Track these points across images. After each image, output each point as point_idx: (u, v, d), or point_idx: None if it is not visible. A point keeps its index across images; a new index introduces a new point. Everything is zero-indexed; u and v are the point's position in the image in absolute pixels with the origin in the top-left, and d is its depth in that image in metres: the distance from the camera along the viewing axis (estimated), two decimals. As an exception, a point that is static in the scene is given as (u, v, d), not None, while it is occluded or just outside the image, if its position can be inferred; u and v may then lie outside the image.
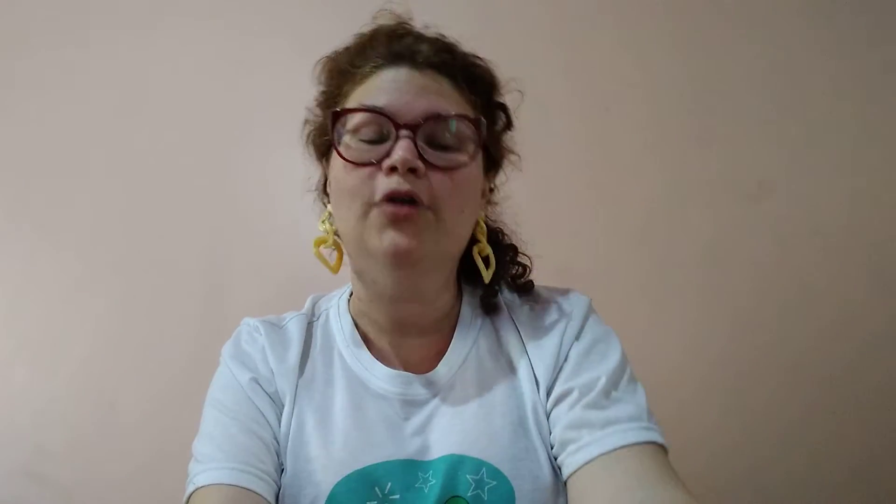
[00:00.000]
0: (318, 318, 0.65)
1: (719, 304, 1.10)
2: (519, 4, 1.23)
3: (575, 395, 0.54)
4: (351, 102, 0.57)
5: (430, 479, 0.54)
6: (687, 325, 1.10)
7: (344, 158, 0.54)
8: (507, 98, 0.64)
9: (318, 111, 0.64)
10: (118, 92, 1.33)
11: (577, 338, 0.59)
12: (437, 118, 0.54)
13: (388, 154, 0.52)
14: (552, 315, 0.62)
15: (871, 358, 1.04)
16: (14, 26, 1.38)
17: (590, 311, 0.62)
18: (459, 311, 0.63)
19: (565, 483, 0.52)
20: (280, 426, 0.57)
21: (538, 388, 0.57)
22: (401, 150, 0.51)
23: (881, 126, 1.10)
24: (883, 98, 1.10)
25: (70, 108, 1.34)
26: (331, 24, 1.28)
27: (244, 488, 0.51)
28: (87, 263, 1.27)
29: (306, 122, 0.66)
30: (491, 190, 0.65)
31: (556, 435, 0.54)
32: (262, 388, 0.58)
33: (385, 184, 0.52)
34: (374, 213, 0.53)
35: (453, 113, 0.55)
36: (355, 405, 0.58)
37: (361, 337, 0.62)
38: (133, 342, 1.23)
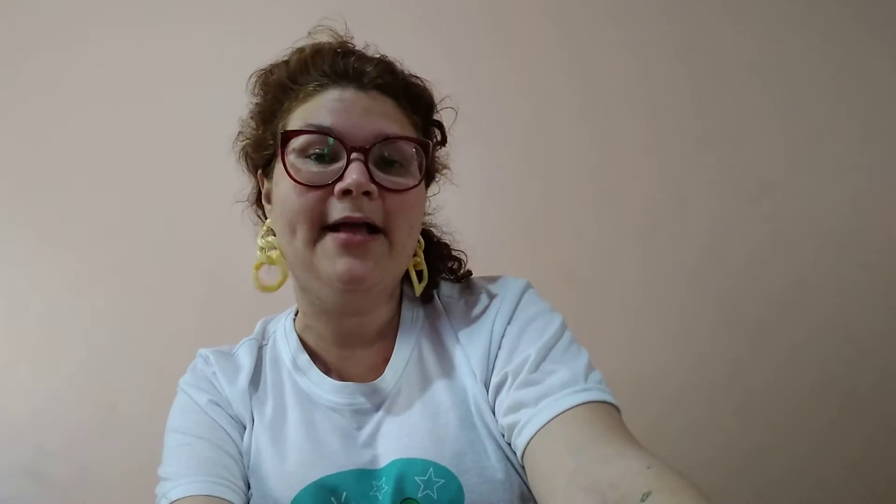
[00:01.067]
0: (267, 342, 0.67)
1: (719, 303, 1.10)
2: (520, 5, 1.23)
3: (509, 379, 0.53)
4: (295, 120, 0.57)
5: (382, 485, 0.54)
6: (687, 324, 1.10)
7: (295, 181, 0.53)
8: (443, 114, 0.65)
9: (252, 124, 0.64)
10: (118, 92, 1.33)
11: (510, 321, 0.58)
12: (386, 141, 0.54)
13: (340, 177, 0.52)
14: (483, 304, 0.62)
15: (869, 357, 1.04)
16: (14, 27, 1.38)
17: (523, 292, 0.61)
18: (400, 319, 0.63)
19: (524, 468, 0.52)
20: (242, 446, 0.59)
21: (476, 380, 0.57)
22: (354, 174, 0.51)
23: (881, 126, 1.10)
24: (883, 98, 1.10)
25: (70, 108, 1.34)
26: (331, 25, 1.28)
27: (219, 498, 0.52)
28: (87, 263, 1.27)
29: (239, 133, 0.66)
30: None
31: (502, 423, 0.53)
32: (222, 409, 0.60)
33: (339, 209, 0.52)
34: (328, 240, 0.53)
35: (401, 135, 0.55)
36: (307, 420, 0.58)
37: (309, 353, 0.62)
38: (133, 342, 1.23)
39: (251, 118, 0.64)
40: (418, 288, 0.62)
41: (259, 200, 0.66)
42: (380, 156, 0.55)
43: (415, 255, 0.62)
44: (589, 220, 1.14)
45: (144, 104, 1.32)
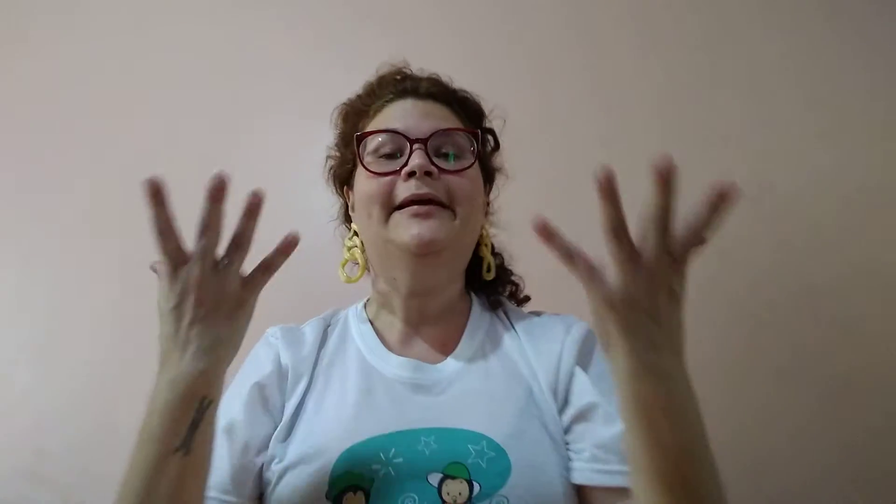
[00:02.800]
0: (335, 322, 0.74)
1: (718, 303, 1.10)
2: (520, 6, 1.24)
3: (599, 415, 0.59)
4: (376, 127, 0.68)
5: (431, 443, 0.57)
6: (686, 324, 1.10)
7: (368, 170, 0.64)
8: (494, 123, 0.77)
9: (336, 150, 0.76)
10: (118, 92, 1.33)
11: (582, 363, 0.64)
12: (441, 132, 0.65)
13: (405, 164, 0.62)
14: (551, 324, 0.70)
15: (869, 358, 1.04)
16: (14, 25, 1.39)
17: (589, 332, 0.68)
18: (470, 309, 0.72)
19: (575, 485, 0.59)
20: (286, 409, 0.64)
21: (541, 387, 0.63)
22: (417, 158, 0.62)
23: (881, 126, 1.10)
24: (883, 98, 1.10)
25: (70, 107, 1.34)
26: (330, 26, 1.29)
27: None
28: (88, 264, 1.27)
29: (328, 158, 0.77)
30: (488, 203, 0.76)
31: (583, 446, 0.59)
32: (276, 380, 0.66)
33: (405, 189, 0.62)
34: (396, 216, 0.62)
35: (455, 127, 0.67)
36: (368, 389, 0.64)
37: (377, 335, 0.70)
38: (133, 344, 1.22)
39: (335, 144, 0.76)
40: (486, 273, 0.71)
41: (346, 214, 0.77)
42: (438, 147, 0.65)
43: (482, 244, 0.72)
44: (589, 221, 1.14)
45: (144, 104, 1.32)
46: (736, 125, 1.14)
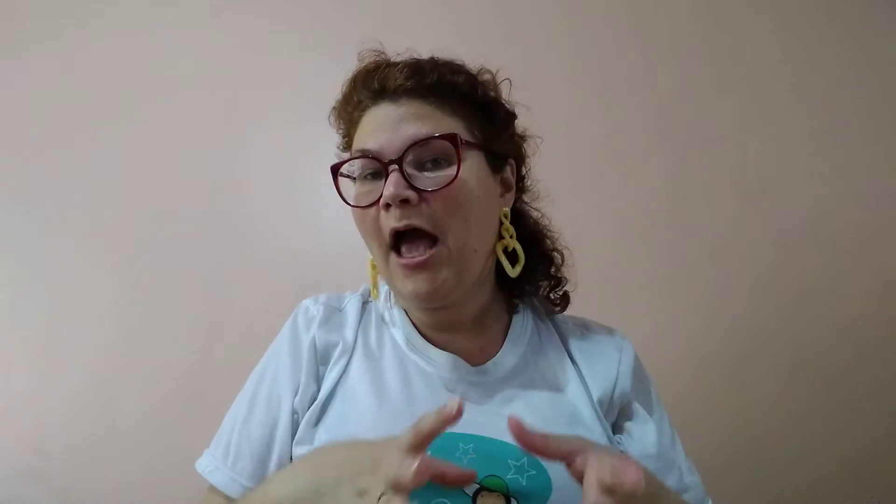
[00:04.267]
0: (372, 300, 0.70)
1: (719, 303, 1.10)
2: (521, 6, 1.24)
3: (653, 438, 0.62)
4: (354, 147, 0.62)
5: (470, 451, 0.55)
6: (687, 324, 1.10)
7: (349, 204, 0.60)
8: (502, 87, 0.66)
9: (341, 155, 0.69)
10: (118, 92, 1.33)
11: (636, 386, 0.64)
12: (414, 146, 0.57)
13: (381, 193, 0.57)
14: (604, 339, 0.68)
15: (869, 358, 1.04)
16: (14, 26, 1.39)
17: (636, 355, 0.68)
18: (510, 318, 0.68)
19: None
20: (320, 393, 0.62)
21: (590, 403, 0.62)
22: (391, 186, 0.55)
23: (881, 126, 1.10)
24: (883, 98, 1.10)
25: (70, 108, 1.34)
26: (330, 26, 1.28)
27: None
28: (88, 264, 1.27)
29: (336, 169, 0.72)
30: (522, 179, 0.69)
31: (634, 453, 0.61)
32: (313, 356, 0.64)
33: (387, 220, 0.57)
34: (393, 262, 0.59)
35: (426, 136, 0.57)
36: (405, 380, 0.62)
37: (411, 322, 0.66)
38: (133, 343, 1.23)
39: (339, 150, 0.70)
40: (511, 270, 0.63)
41: None
42: (419, 158, 0.58)
43: (511, 237, 0.64)
44: (588, 221, 1.14)
45: (145, 104, 1.32)
46: (736, 125, 1.14)
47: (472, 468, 0.51)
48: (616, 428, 0.64)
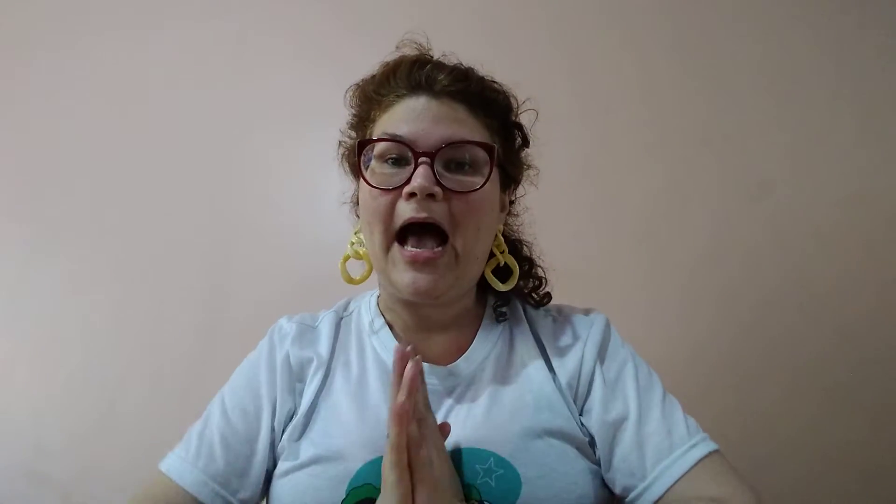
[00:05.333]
0: (349, 314, 0.72)
1: (719, 303, 1.10)
2: (519, 6, 1.23)
3: (612, 431, 0.60)
4: (378, 129, 0.62)
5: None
6: (686, 324, 1.10)
7: (369, 184, 0.59)
8: (524, 116, 0.69)
9: (350, 133, 0.70)
10: (118, 93, 1.33)
11: (601, 359, 0.64)
12: (452, 145, 0.58)
13: (408, 180, 0.57)
14: (571, 325, 0.68)
15: (868, 357, 1.04)
16: (14, 28, 1.38)
17: (608, 327, 0.68)
18: (483, 314, 0.69)
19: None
20: (299, 408, 0.63)
21: (560, 394, 0.62)
22: (419, 178, 0.56)
23: (881, 126, 1.10)
24: (883, 98, 1.10)
25: (70, 108, 1.34)
26: (330, 25, 1.28)
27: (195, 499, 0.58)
28: (87, 264, 1.27)
29: (340, 143, 0.71)
30: (511, 202, 0.71)
31: (610, 479, 0.59)
32: (289, 372, 0.64)
33: (405, 209, 0.57)
34: (397, 252, 0.59)
35: (467, 139, 0.59)
36: (387, 386, 0.62)
37: (391, 331, 0.67)
38: (132, 342, 1.23)
39: (349, 127, 0.70)
40: (501, 284, 0.66)
41: (358, 200, 0.70)
42: (449, 159, 0.59)
43: (501, 252, 0.67)
44: (588, 221, 1.14)
45: (145, 104, 1.32)
46: (736, 125, 1.14)
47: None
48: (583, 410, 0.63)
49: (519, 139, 0.69)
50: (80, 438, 1.20)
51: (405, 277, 0.58)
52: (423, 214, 0.57)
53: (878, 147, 1.09)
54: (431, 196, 0.56)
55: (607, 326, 0.68)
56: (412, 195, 0.56)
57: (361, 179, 0.61)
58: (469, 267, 0.61)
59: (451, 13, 1.22)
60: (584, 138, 1.17)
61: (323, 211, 1.22)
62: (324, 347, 0.66)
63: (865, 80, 1.11)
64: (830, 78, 1.13)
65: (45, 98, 1.35)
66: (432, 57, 0.66)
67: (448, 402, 0.62)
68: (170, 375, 1.20)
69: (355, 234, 0.69)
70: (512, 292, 0.69)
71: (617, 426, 0.60)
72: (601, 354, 0.64)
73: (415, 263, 0.58)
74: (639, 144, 1.16)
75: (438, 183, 0.57)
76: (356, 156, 0.62)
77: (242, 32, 1.31)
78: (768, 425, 1.05)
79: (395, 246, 0.59)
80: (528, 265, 0.72)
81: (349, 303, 0.74)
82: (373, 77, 0.65)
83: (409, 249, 0.58)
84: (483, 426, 0.59)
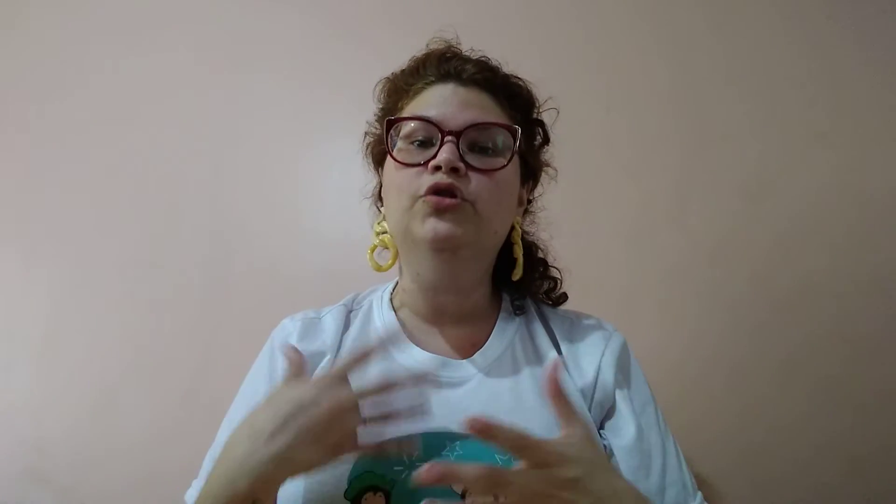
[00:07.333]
0: (359, 307, 0.72)
1: (718, 303, 1.10)
2: (518, 6, 1.23)
3: (654, 471, 0.60)
4: (405, 115, 0.65)
5: (457, 448, 0.56)
6: (686, 324, 1.10)
7: (395, 159, 0.62)
8: (544, 115, 0.71)
9: (377, 126, 0.71)
10: (117, 93, 1.33)
11: (621, 379, 0.64)
12: (477, 126, 0.61)
13: (434, 156, 0.59)
14: (590, 330, 0.68)
15: (869, 358, 1.04)
16: (14, 28, 1.39)
17: (626, 345, 0.68)
18: (499, 310, 0.69)
19: None
20: None
21: (575, 394, 0.62)
22: (445, 153, 0.58)
23: (881, 126, 1.10)
24: (883, 98, 1.10)
25: (70, 109, 1.34)
26: (330, 25, 1.28)
27: None
28: (87, 263, 1.27)
29: (366, 134, 0.73)
30: (529, 201, 0.73)
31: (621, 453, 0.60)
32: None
33: (429, 179, 0.59)
34: (419, 204, 0.59)
35: (493, 121, 0.62)
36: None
37: (401, 325, 0.68)
38: (133, 342, 1.23)
39: (376, 121, 0.71)
40: (515, 272, 0.66)
41: (380, 193, 0.72)
42: (473, 141, 0.61)
43: (513, 243, 0.67)
44: (588, 220, 1.14)
45: (145, 105, 1.32)
46: (736, 125, 1.14)
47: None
48: (601, 425, 0.64)
49: (540, 136, 0.71)
50: (81, 440, 1.20)
51: (426, 225, 0.59)
52: (447, 181, 0.58)
53: (878, 147, 1.09)
54: (455, 171, 0.58)
55: (625, 346, 0.68)
56: (437, 168, 0.58)
57: (388, 159, 0.63)
58: (488, 227, 0.62)
59: (447, 11, 1.22)
60: (585, 138, 1.17)
61: (324, 209, 1.22)
62: (329, 335, 0.66)
63: (866, 80, 1.11)
64: (830, 78, 1.13)
65: (45, 97, 1.35)
66: (460, 50, 0.69)
67: (463, 391, 0.61)
68: (170, 376, 1.20)
69: (378, 223, 0.70)
70: (528, 293, 0.71)
71: (644, 468, 0.60)
72: (622, 374, 0.65)
73: (436, 210, 0.58)
74: (638, 144, 1.16)
75: (463, 161, 0.59)
76: (384, 133, 0.63)
77: (243, 32, 1.31)
78: (764, 420, 1.05)
79: (418, 201, 0.59)
80: (543, 267, 0.73)
81: (357, 297, 0.74)
82: (403, 70, 0.68)
83: (432, 197, 0.58)
84: (503, 417, 0.58)
